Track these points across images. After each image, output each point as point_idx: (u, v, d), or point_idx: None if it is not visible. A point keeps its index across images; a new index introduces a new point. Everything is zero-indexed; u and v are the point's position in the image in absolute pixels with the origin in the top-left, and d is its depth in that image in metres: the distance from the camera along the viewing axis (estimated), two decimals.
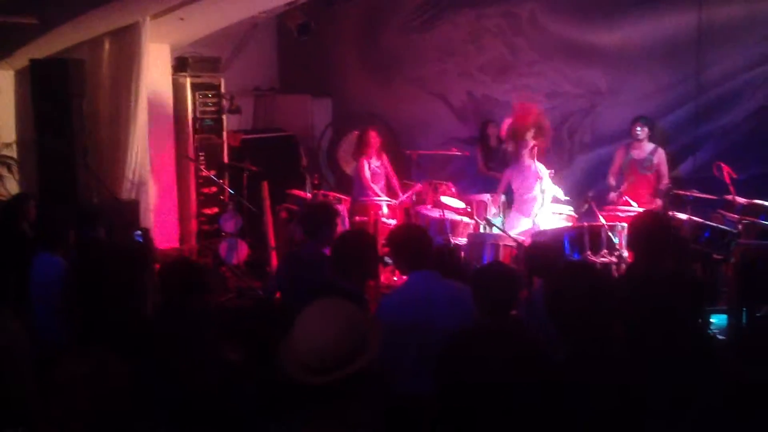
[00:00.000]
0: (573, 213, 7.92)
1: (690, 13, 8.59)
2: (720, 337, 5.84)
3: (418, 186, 8.71)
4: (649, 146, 8.15)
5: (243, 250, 8.35)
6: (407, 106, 10.43)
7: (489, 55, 10.02)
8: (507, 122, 8.66)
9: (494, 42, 9.97)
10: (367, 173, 8.72)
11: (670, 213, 7.26)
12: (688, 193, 7.28)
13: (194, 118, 9.01)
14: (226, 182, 8.97)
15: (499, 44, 9.94)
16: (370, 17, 10.69)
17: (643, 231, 4.55)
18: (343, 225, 8.37)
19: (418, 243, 4.19)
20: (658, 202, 7.93)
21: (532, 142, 7.80)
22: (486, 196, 8.44)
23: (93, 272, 3.69)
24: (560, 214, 7.92)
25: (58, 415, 2.20)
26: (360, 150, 8.88)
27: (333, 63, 10.95)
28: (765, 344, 4.68)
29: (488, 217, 7.95)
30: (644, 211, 6.99)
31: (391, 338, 3.92)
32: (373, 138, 8.81)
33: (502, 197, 8.29)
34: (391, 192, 8.87)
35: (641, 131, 8.08)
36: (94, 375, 2.23)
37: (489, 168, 9.32)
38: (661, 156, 8.13)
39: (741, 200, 7.13)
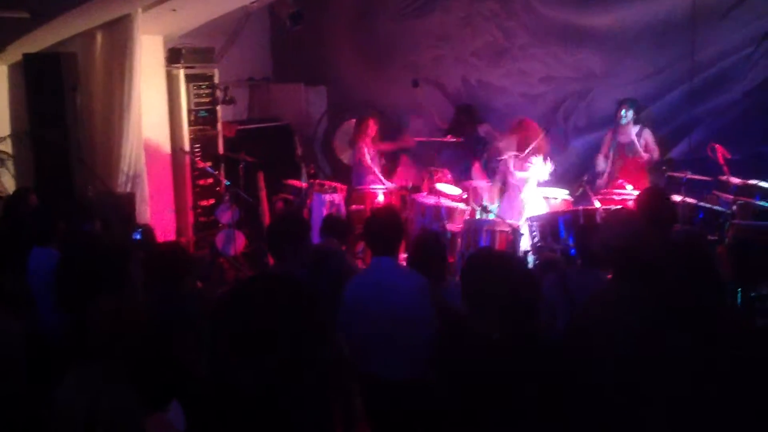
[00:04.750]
0: (568, 197, 7.93)
1: None
2: None
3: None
4: (635, 129, 8.10)
5: (240, 241, 8.37)
6: (402, 93, 10.41)
7: (483, 40, 9.99)
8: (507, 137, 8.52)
9: (488, 26, 9.93)
10: (367, 156, 8.73)
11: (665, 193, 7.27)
12: (682, 175, 7.28)
13: (189, 110, 9.00)
14: (222, 173, 8.97)
15: (493, 29, 9.89)
16: (363, 4, 10.66)
17: (648, 205, 4.60)
18: (339, 213, 8.42)
19: (384, 229, 4.23)
20: (648, 178, 7.91)
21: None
22: (482, 183, 8.45)
23: (78, 264, 3.72)
24: (555, 198, 7.93)
25: None
26: (357, 136, 8.89)
27: (327, 51, 10.92)
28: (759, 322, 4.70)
29: (484, 203, 7.96)
30: (645, 188, 7.00)
31: (351, 319, 4.02)
32: (371, 126, 8.82)
33: (498, 183, 8.29)
34: (386, 180, 8.87)
35: (626, 115, 8.03)
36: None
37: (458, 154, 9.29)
38: (647, 136, 8.09)
39: (735, 180, 7.13)
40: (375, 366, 3.97)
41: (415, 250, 4.68)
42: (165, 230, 8.29)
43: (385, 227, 4.23)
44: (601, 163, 8.18)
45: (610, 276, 3.81)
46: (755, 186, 7.11)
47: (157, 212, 8.46)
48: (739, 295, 5.99)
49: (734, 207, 7.00)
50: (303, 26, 9.88)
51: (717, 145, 7.34)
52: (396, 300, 3.94)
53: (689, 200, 7.04)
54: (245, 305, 3.22)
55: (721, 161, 7.24)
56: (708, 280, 3.29)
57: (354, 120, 9.47)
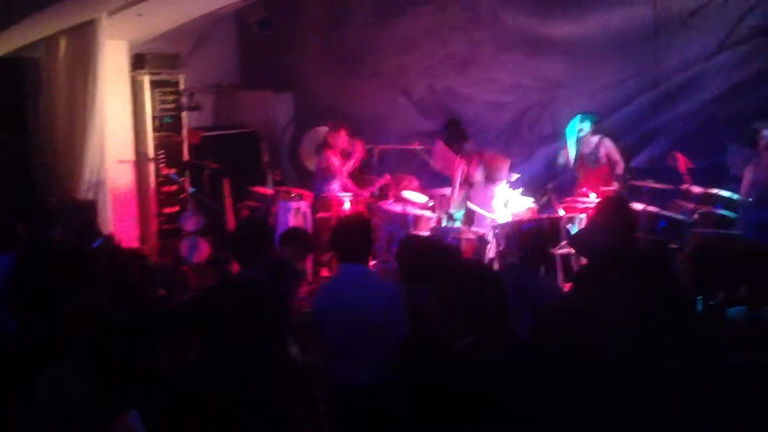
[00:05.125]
0: (533, 205, 7.98)
1: (646, 4, 8.69)
2: None
3: (385, 178, 8.73)
4: (594, 140, 8.19)
5: (204, 249, 8.30)
6: (369, 101, 10.43)
7: (450, 49, 10.04)
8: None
9: (455, 36, 9.99)
10: (335, 161, 8.71)
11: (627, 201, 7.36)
12: (644, 184, 7.38)
13: (153, 116, 8.93)
14: (187, 180, 8.90)
15: (460, 38, 9.96)
16: (331, 12, 10.66)
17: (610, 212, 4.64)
18: (305, 221, 8.40)
19: (353, 236, 4.21)
20: (615, 185, 7.99)
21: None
22: (448, 190, 8.48)
23: (35, 271, 3.68)
24: (520, 206, 7.97)
25: None
26: (326, 144, 8.86)
27: (294, 58, 10.90)
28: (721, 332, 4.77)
29: (450, 210, 7.99)
30: (604, 197, 7.08)
31: (322, 327, 4.02)
32: (342, 137, 8.79)
33: (464, 191, 8.31)
34: (353, 187, 8.85)
35: (582, 127, 8.13)
36: None
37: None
38: (607, 146, 8.18)
39: (696, 189, 7.24)
40: (347, 372, 3.96)
41: (401, 254, 4.60)
42: (128, 238, 8.21)
43: (353, 234, 4.22)
44: (561, 158, 8.30)
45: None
46: (716, 195, 7.22)
47: (120, 219, 8.37)
48: (699, 303, 6.08)
49: (695, 216, 7.10)
50: (271, 32, 9.86)
51: (679, 154, 7.44)
52: (368, 306, 3.94)
53: (651, 209, 7.12)
54: (215, 313, 3.21)
55: (683, 170, 7.34)
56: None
57: (321, 128, 9.46)
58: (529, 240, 4.68)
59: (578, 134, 8.13)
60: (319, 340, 4.07)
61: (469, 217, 7.93)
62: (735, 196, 7.12)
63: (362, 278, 4.12)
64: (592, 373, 3.28)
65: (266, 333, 3.63)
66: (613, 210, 4.51)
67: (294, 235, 5.80)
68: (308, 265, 7.83)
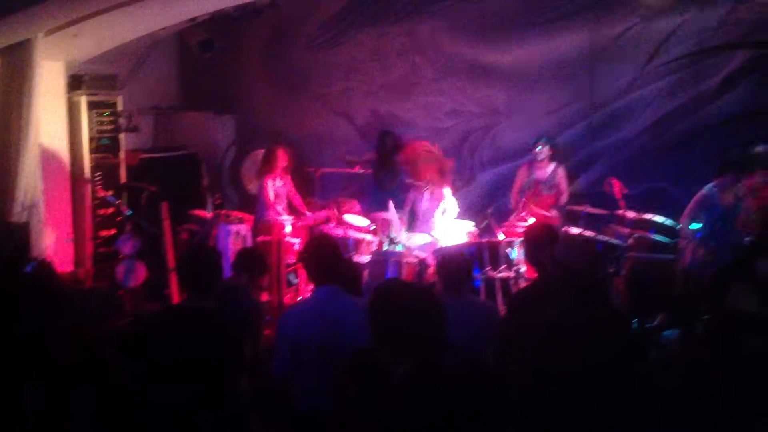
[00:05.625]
0: (473, 229, 8.06)
1: (583, 33, 8.91)
2: None
3: (326, 212, 8.69)
4: (551, 165, 8.33)
5: (141, 273, 8.14)
6: (311, 124, 10.44)
7: (392, 74, 10.13)
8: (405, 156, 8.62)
9: (397, 60, 10.08)
10: (270, 193, 8.64)
11: (565, 228, 7.49)
12: (581, 208, 7.52)
13: (90, 137, 8.76)
14: (124, 203, 8.74)
15: (402, 63, 10.06)
16: (274, 34, 10.65)
17: (537, 240, 4.70)
18: (245, 245, 8.31)
19: (324, 257, 4.19)
20: (555, 213, 8.11)
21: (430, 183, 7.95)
22: (390, 213, 8.49)
23: None
24: (461, 230, 8.04)
25: None
26: (265, 168, 8.79)
27: (236, 80, 10.86)
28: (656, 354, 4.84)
29: (391, 234, 8.01)
30: (535, 222, 7.19)
31: (294, 353, 3.97)
32: (281, 157, 8.74)
33: (406, 215, 8.35)
34: (293, 212, 8.81)
35: (542, 151, 8.24)
36: None
37: (378, 180, 9.32)
38: (561, 174, 8.33)
39: (631, 215, 7.39)
40: (317, 397, 3.87)
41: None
42: (63, 261, 8.01)
43: (324, 256, 4.18)
44: (515, 198, 8.35)
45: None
46: (650, 220, 7.38)
47: (55, 242, 8.17)
48: (635, 326, 6.20)
49: (630, 240, 7.26)
50: (212, 54, 9.79)
51: (614, 180, 7.60)
52: (342, 329, 3.89)
53: (588, 233, 7.26)
54: (164, 339, 3.15)
55: (618, 196, 7.50)
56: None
57: (262, 151, 9.42)
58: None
59: (537, 157, 8.23)
60: (286, 366, 4.00)
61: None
62: (669, 222, 7.29)
63: (336, 301, 4.06)
64: (531, 397, 3.32)
65: (215, 362, 3.59)
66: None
67: (250, 259, 5.72)
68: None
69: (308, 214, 8.73)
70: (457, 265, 4.81)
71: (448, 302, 4.04)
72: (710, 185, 6.93)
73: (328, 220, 8.64)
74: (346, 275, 4.40)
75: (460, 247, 7.21)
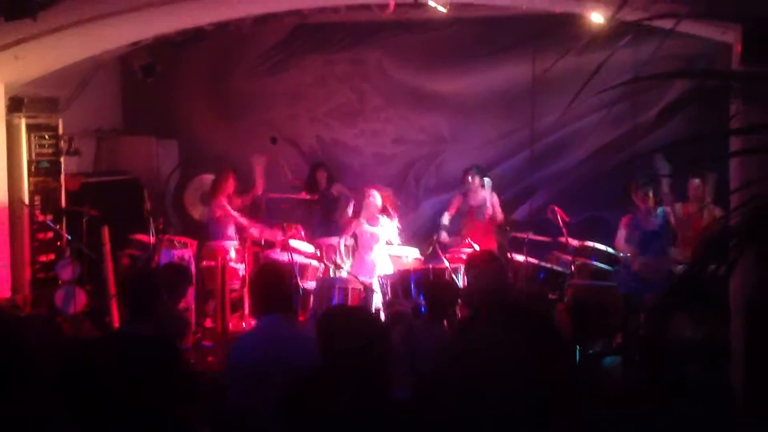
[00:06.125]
0: (419, 255, 8.11)
1: (525, 65, 9.13)
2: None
3: (275, 231, 8.65)
4: (483, 193, 8.46)
5: (81, 299, 7.96)
6: (256, 150, 10.38)
7: (337, 101, 10.19)
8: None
9: (342, 88, 10.16)
10: (232, 211, 8.60)
11: (509, 253, 7.60)
12: (525, 236, 7.64)
13: (29, 161, 8.57)
14: (64, 227, 8.56)
15: (347, 90, 10.13)
16: (218, 60, 10.61)
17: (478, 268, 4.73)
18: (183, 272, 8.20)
19: (270, 286, 4.17)
20: (495, 239, 8.23)
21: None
22: (335, 240, 8.51)
23: None
24: (406, 257, 8.09)
25: None
26: (215, 192, 8.75)
27: (180, 105, 10.77)
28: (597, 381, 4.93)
29: (336, 260, 8.02)
30: (479, 250, 7.27)
31: (245, 381, 3.93)
32: (230, 181, 8.73)
33: (350, 240, 8.38)
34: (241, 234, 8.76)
35: (472, 180, 8.39)
36: None
37: (312, 211, 9.36)
38: (494, 199, 8.47)
39: (573, 242, 7.55)
40: (273, 424, 3.84)
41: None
42: None
43: (272, 285, 4.16)
44: (445, 221, 8.45)
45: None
46: (591, 247, 7.55)
47: None
48: (577, 352, 6.29)
49: (573, 267, 7.40)
50: (155, 79, 9.71)
51: (556, 208, 7.75)
52: (291, 357, 3.85)
53: (531, 260, 7.38)
54: (101, 368, 3.09)
55: (560, 223, 7.65)
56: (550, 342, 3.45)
57: (206, 176, 9.35)
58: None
59: (468, 187, 8.36)
60: (241, 395, 3.97)
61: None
62: (610, 249, 7.45)
63: (284, 330, 4.04)
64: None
65: (155, 391, 3.53)
66: (486, 263, 4.64)
67: (175, 274, 5.65)
68: (191, 315, 7.67)
69: (255, 231, 8.66)
70: (446, 292, 4.84)
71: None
72: (634, 210, 7.20)
73: (270, 243, 8.62)
74: (292, 302, 4.39)
75: (406, 273, 7.27)
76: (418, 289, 7.09)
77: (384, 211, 8.04)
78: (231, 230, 8.70)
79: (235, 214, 8.62)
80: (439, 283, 5.65)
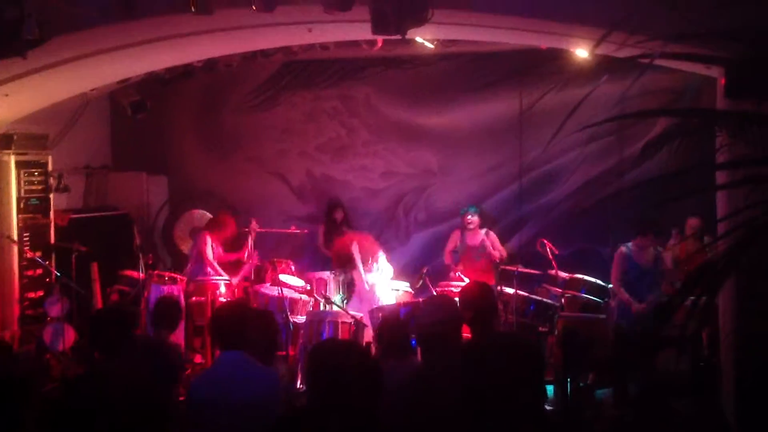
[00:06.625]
0: (409, 289, 8.11)
1: (512, 99, 9.24)
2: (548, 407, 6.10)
3: (255, 262, 8.64)
4: (481, 233, 8.48)
5: (70, 336, 7.92)
6: (245, 184, 10.43)
7: (326, 136, 10.26)
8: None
9: (331, 123, 10.23)
10: (210, 252, 8.57)
11: (500, 287, 7.61)
12: (514, 269, 7.66)
13: (19, 197, 8.57)
14: (53, 264, 8.54)
15: (336, 125, 10.21)
16: (207, 96, 10.68)
17: (471, 300, 4.75)
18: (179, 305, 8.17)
19: (229, 323, 4.15)
20: (492, 277, 8.23)
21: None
22: (326, 274, 8.50)
23: None
24: (397, 290, 8.08)
25: None
26: (210, 229, 8.74)
27: (169, 141, 10.80)
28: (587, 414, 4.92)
29: (327, 294, 8.00)
30: (471, 281, 7.27)
31: (199, 418, 3.92)
32: (230, 227, 8.72)
33: (342, 275, 8.35)
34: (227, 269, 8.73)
35: (472, 220, 8.42)
36: None
37: (328, 247, 9.39)
38: (492, 238, 8.49)
39: (563, 275, 7.58)
40: None
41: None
42: None
43: (229, 321, 4.15)
44: (448, 258, 8.46)
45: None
46: (581, 280, 7.57)
47: None
48: (568, 385, 6.29)
49: (563, 300, 7.42)
50: (145, 115, 9.75)
51: (545, 241, 7.79)
52: (248, 394, 3.86)
53: (521, 293, 7.39)
54: (84, 406, 3.06)
55: (550, 256, 7.69)
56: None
57: (196, 211, 9.38)
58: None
59: (468, 227, 8.38)
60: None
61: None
62: (600, 282, 7.48)
63: (240, 366, 4.03)
64: None
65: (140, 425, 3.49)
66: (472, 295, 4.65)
67: (167, 311, 5.66)
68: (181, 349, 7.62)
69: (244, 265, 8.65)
70: (398, 328, 4.83)
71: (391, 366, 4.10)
72: (629, 244, 7.17)
73: (260, 277, 8.61)
74: (257, 341, 4.34)
75: (396, 309, 7.26)
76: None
77: (366, 258, 7.97)
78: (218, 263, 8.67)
79: (210, 257, 8.55)
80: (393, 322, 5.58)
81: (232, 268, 8.73)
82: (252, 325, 4.17)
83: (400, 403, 3.56)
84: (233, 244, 8.95)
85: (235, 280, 8.48)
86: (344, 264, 7.97)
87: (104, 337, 4.17)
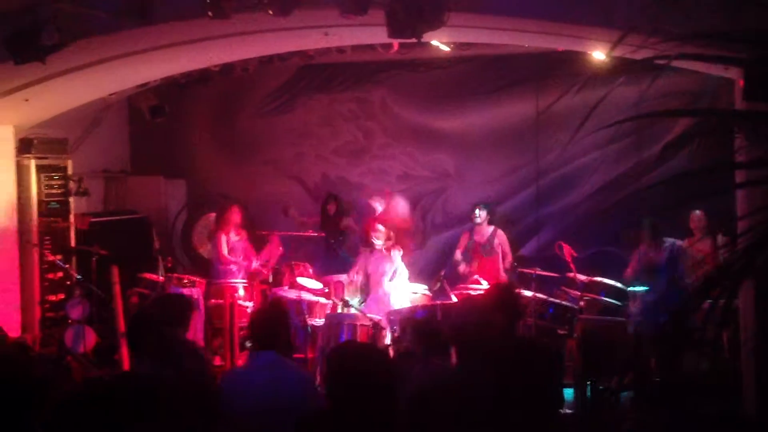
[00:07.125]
0: (427, 292, 8.11)
1: (529, 102, 9.23)
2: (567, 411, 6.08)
3: (274, 243, 8.69)
4: (489, 230, 8.46)
5: (90, 338, 7.99)
6: (263, 188, 10.48)
7: (343, 139, 10.29)
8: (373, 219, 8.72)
9: (348, 126, 10.26)
10: (224, 248, 8.62)
11: (518, 290, 7.57)
12: (532, 271, 7.63)
13: (39, 201, 8.66)
14: (73, 267, 8.61)
15: (353, 128, 10.24)
16: (224, 100, 10.73)
17: (496, 301, 4.75)
18: (197, 308, 8.21)
19: (268, 324, 4.18)
20: (505, 278, 8.22)
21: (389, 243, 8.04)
22: (343, 277, 8.52)
23: None
24: (414, 293, 8.09)
25: None
26: (219, 226, 8.80)
27: (187, 145, 10.87)
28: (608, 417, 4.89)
29: (345, 297, 8.01)
30: (493, 284, 7.26)
31: (236, 417, 3.93)
32: (234, 213, 8.77)
33: (359, 278, 8.36)
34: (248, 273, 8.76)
35: (479, 215, 8.41)
36: None
37: (328, 245, 9.38)
38: (501, 237, 8.47)
39: (582, 277, 7.54)
40: None
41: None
42: (9, 326, 7.81)
43: (267, 322, 4.18)
44: (458, 257, 8.46)
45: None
46: (600, 282, 7.53)
47: (1, 307, 7.98)
48: (588, 388, 6.26)
49: (581, 303, 7.38)
50: (163, 119, 9.82)
51: (564, 244, 7.76)
52: (287, 394, 3.88)
53: (540, 296, 7.36)
54: (102, 410, 3.08)
55: (568, 259, 7.65)
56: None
57: (214, 214, 9.41)
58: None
59: (475, 221, 8.38)
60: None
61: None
62: (619, 284, 7.44)
63: (278, 366, 4.04)
64: None
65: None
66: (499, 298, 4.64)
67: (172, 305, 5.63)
68: None
69: (255, 262, 8.69)
70: (437, 329, 4.83)
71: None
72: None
73: (278, 280, 8.64)
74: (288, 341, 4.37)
75: (412, 311, 7.26)
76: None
77: (389, 240, 8.06)
78: (240, 262, 8.71)
79: (225, 253, 8.60)
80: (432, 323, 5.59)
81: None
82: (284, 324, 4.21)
83: (435, 403, 3.56)
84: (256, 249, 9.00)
85: (255, 263, 8.51)
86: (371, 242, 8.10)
87: (146, 338, 4.17)
